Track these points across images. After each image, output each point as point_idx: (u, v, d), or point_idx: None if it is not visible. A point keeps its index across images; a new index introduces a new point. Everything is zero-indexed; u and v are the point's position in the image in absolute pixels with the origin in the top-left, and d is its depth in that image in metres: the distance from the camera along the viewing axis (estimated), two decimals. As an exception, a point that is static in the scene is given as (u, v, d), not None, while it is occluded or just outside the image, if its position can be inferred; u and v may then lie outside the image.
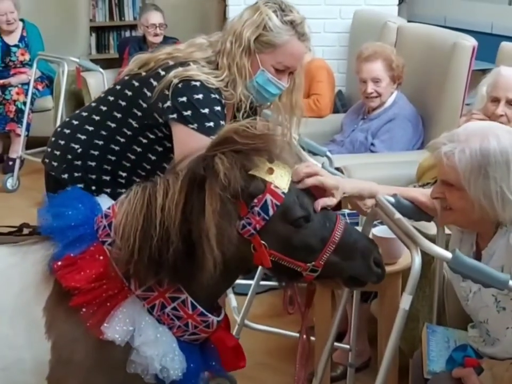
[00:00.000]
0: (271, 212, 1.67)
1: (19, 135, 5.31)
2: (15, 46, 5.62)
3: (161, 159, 2.22)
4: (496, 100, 2.84)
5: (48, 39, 5.72)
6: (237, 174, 1.65)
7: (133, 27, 6.82)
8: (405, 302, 1.80)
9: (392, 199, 2.05)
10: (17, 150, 5.25)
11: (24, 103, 5.35)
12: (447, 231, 2.19)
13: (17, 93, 5.42)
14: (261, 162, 1.69)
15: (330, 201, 1.79)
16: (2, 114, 5.42)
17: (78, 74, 5.05)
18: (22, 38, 5.64)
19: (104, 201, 1.93)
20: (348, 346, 2.79)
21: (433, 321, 2.27)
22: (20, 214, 4.31)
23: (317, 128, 4.03)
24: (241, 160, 1.66)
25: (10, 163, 5.37)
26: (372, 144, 3.61)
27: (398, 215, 1.88)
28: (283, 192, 1.69)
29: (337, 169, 3.18)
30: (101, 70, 4.98)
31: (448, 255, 1.74)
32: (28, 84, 5.34)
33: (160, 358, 1.72)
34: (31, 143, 5.31)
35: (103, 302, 1.71)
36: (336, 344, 2.55)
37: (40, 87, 5.53)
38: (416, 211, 2.10)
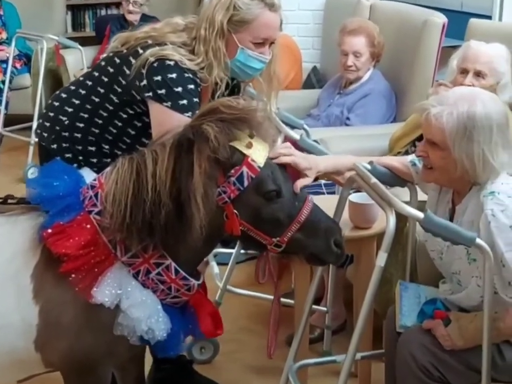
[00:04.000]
0: (246, 183, 1.80)
1: (-3, 113, 5.34)
2: (-9, 24, 5.65)
3: (140, 133, 2.32)
4: (465, 72, 2.95)
5: (24, 18, 5.73)
6: (224, 141, 1.77)
7: (108, 5, 6.85)
8: (380, 259, 1.92)
9: (369, 166, 2.17)
10: (-5, 127, 5.28)
11: (3, 82, 5.37)
12: (419, 198, 2.32)
13: (-5, 71, 5.46)
14: (242, 135, 1.81)
15: (307, 181, 1.93)
16: (-19, 92, 5.44)
17: (57, 51, 5.08)
18: (-2, 17, 5.66)
19: (87, 174, 2.03)
20: (325, 309, 2.92)
21: (406, 280, 2.40)
22: (1, 189, 4.38)
23: (294, 104, 4.13)
24: (227, 129, 1.78)
25: (-11, 140, 5.41)
26: (347, 118, 3.73)
27: (374, 180, 2.00)
28: (259, 166, 1.81)
29: (314, 141, 3.29)
30: (80, 47, 5.01)
31: (420, 214, 1.86)
32: (5, 62, 5.35)
33: (146, 319, 1.82)
34: (9, 121, 5.35)
35: (92, 267, 1.81)
36: (314, 307, 2.67)
37: (18, 65, 5.55)
38: (391, 176, 2.23)
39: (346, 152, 3.33)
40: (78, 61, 5.07)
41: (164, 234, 1.79)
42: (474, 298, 2.02)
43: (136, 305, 1.82)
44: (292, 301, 2.81)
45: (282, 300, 2.82)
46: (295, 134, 2.77)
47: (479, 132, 1.94)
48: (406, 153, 3.15)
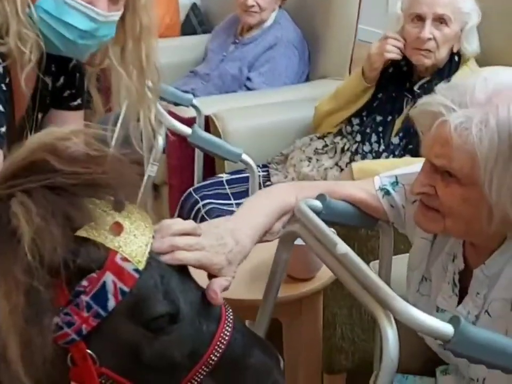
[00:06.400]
0: (111, 304, 0.92)
1: None
2: None
3: None
4: (419, 19, 2.09)
5: None
6: (57, 237, 0.87)
7: None
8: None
9: (319, 203, 1.28)
10: None
11: None
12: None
13: None
14: (99, 211, 0.92)
15: (226, 281, 1.04)
16: None
17: None
18: None
19: None
20: None
21: (376, 364, 1.56)
22: None
23: (172, 57, 3.15)
24: (64, 208, 0.88)
25: None
26: (248, 78, 2.77)
27: (342, 248, 1.11)
28: (136, 270, 0.92)
29: (206, 119, 2.38)
30: None
31: (449, 330, 0.99)
32: None
33: None
34: None
35: None
36: None
37: None
38: (355, 215, 1.36)
39: (253, 130, 2.48)
40: None
41: None
42: None
43: None
44: None
45: None
46: (186, 128, 1.84)
47: None
48: (340, 133, 2.28)
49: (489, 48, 2.15)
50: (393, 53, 2.12)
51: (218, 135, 2.35)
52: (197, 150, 2.28)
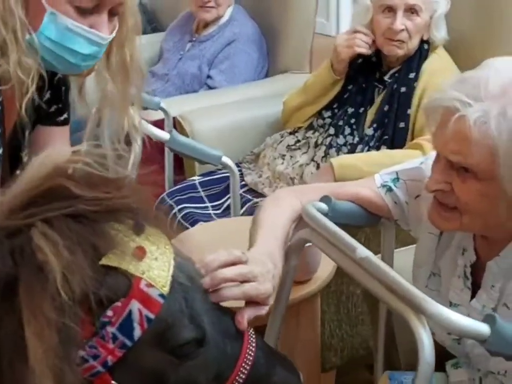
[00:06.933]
0: (137, 333, 0.86)
1: None
2: None
3: None
4: (390, 10, 2.07)
5: None
6: (86, 269, 0.80)
7: None
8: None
9: (324, 206, 1.25)
10: None
11: None
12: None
13: None
14: (122, 237, 0.85)
15: (262, 310, 1.00)
16: None
17: None
18: None
19: None
20: None
21: (378, 361, 1.54)
22: None
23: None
24: (88, 237, 0.82)
25: None
26: (209, 76, 2.72)
27: (363, 252, 1.07)
28: (161, 295, 0.87)
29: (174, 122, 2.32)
30: None
31: (485, 330, 0.97)
32: None
33: None
34: None
35: None
36: None
37: None
38: (360, 214, 1.35)
39: (221, 130, 2.43)
40: None
41: None
42: None
43: None
44: None
45: None
46: (164, 133, 1.78)
47: None
48: (311, 127, 2.25)
49: (458, 35, 2.15)
50: (362, 48, 2.10)
51: (186, 137, 2.29)
52: (166, 153, 2.22)
